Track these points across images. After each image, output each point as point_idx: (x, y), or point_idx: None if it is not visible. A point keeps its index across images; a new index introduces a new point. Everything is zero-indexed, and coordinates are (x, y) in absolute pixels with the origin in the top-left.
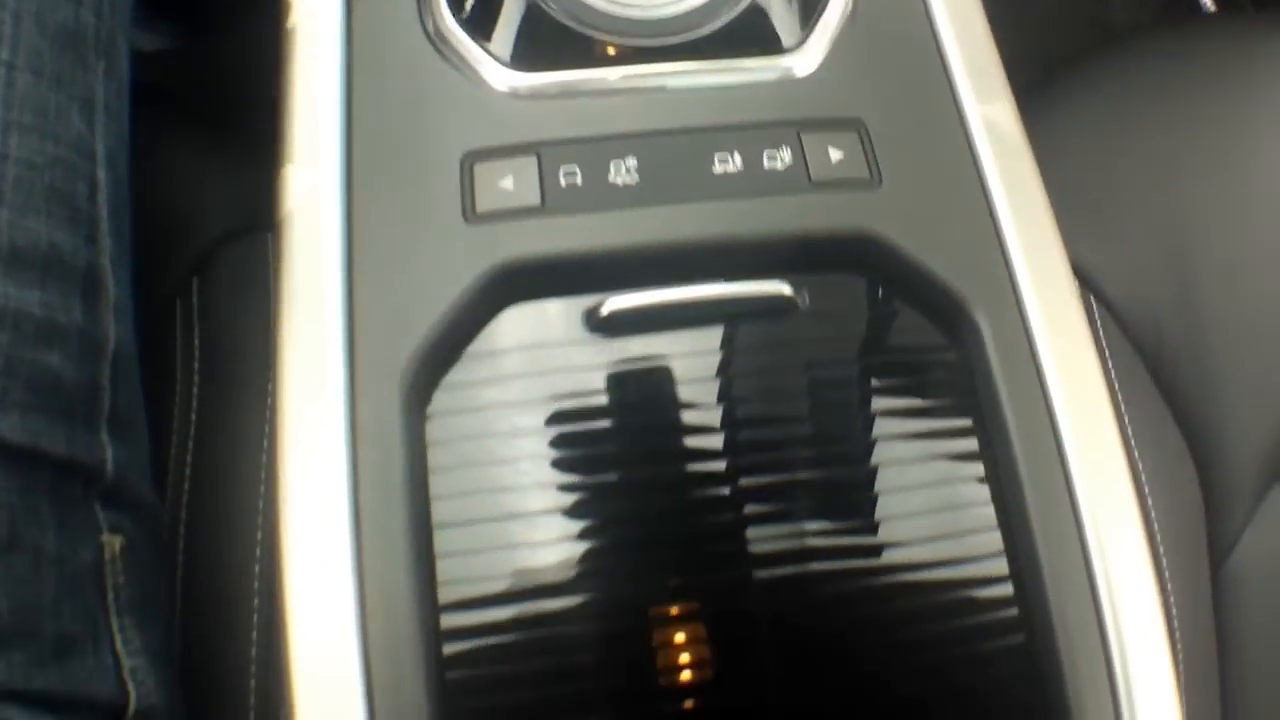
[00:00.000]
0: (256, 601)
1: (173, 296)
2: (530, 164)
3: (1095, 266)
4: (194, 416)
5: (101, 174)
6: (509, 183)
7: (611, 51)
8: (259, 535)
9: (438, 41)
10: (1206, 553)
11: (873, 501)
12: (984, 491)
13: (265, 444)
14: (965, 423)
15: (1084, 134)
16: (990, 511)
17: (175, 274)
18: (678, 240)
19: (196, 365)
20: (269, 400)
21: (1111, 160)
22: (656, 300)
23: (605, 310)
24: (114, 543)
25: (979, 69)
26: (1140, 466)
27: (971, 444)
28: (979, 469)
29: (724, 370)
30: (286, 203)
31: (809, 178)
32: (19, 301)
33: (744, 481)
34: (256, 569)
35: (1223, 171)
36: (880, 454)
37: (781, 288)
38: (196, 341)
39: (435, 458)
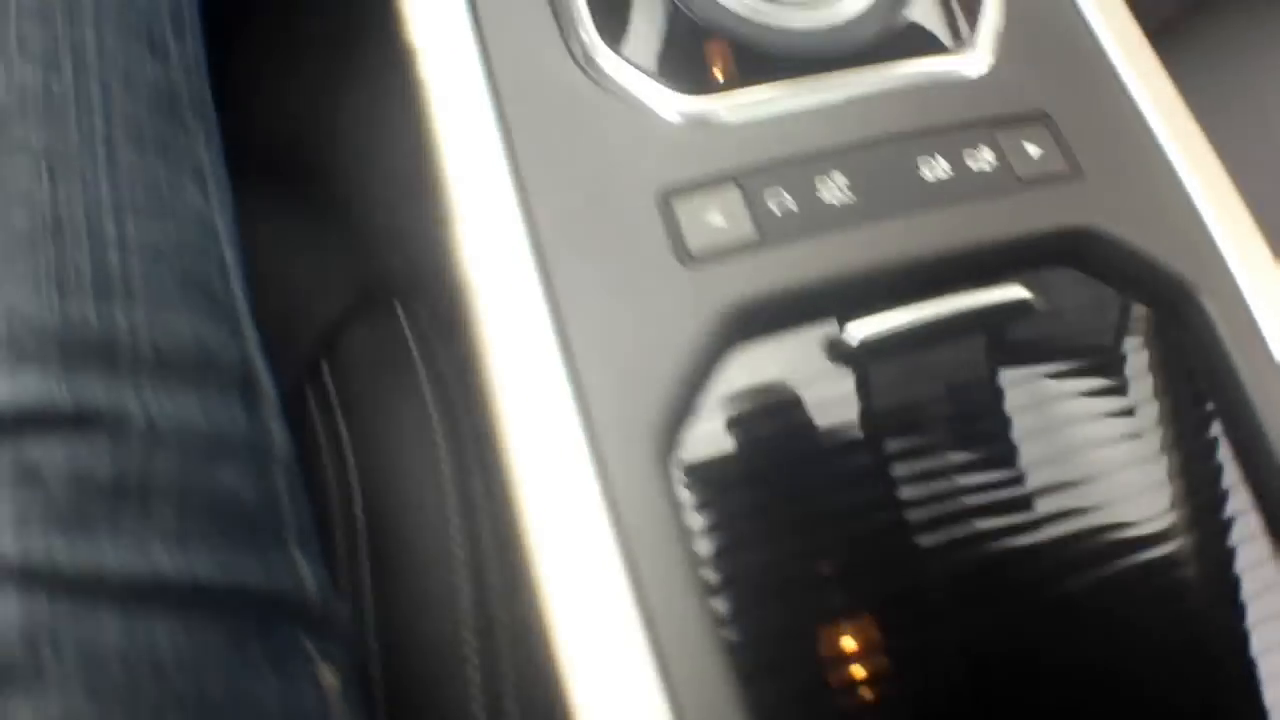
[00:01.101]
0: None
1: (298, 385)
2: (733, 195)
3: None
4: (361, 514)
5: (228, 253)
6: (717, 218)
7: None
8: (471, 636)
9: (589, 69)
10: None
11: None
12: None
13: (453, 531)
14: (1206, 416)
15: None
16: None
17: (297, 360)
18: (907, 257)
19: (351, 456)
20: (444, 474)
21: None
22: (905, 321)
23: (855, 339)
24: (332, 676)
25: (1131, 47)
26: None
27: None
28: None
29: (971, 391)
30: (462, 268)
31: (1016, 176)
32: (178, 416)
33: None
34: (477, 676)
35: None
36: (1128, 469)
37: (1020, 292)
38: (343, 430)
39: (691, 516)
